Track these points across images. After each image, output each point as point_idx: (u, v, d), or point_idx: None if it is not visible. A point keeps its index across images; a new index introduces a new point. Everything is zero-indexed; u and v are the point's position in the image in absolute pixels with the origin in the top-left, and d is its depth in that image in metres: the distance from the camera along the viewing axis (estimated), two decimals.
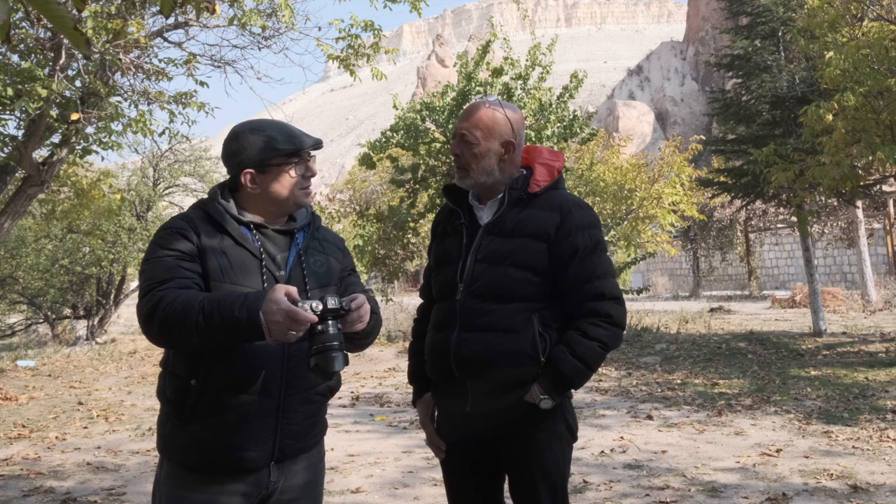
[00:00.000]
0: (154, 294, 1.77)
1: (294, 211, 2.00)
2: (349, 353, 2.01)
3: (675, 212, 18.00)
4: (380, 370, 10.28)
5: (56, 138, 7.75)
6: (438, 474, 4.52)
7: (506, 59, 11.93)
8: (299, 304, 1.65)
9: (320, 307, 1.67)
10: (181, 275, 1.82)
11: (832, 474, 4.47)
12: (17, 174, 7.71)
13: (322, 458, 2.07)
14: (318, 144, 2.00)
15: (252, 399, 1.84)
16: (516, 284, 2.13)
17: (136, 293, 2.09)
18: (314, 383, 1.96)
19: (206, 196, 2.07)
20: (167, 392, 1.89)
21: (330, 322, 1.70)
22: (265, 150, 1.92)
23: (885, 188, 15.81)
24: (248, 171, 1.93)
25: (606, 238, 14.64)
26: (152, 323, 1.75)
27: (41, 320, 17.19)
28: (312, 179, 2.00)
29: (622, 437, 5.67)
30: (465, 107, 2.28)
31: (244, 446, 1.85)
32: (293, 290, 1.66)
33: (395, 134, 12.08)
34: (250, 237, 1.93)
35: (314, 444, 2.02)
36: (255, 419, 1.85)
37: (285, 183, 1.94)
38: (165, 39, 7.38)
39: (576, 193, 15.10)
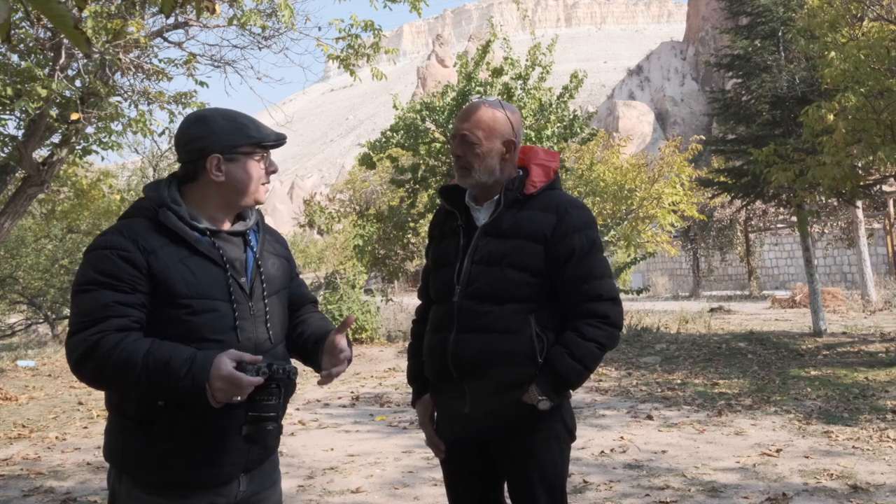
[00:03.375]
0: (87, 337, 1.65)
1: (251, 206, 1.91)
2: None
3: (675, 212, 18.01)
4: (380, 370, 10.28)
5: (56, 138, 7.75)
6: (438, 474, 4.52)
7: (506, 59, 11.93)
8: (247, 368, 1.65)
9: (266, 374, 1.66)
10: (119, 313, 1.68)
11: (832, 474, 4.47)
12: (17, 174, 7.72)
13: (277, 456, 2.05)
14: (281, 138, 1.92)
15: (229, 412, 1.76)
16: (513, 285, 2.13)
17: None
18: None
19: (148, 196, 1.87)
20: (127, 409, 1.77)
21: (273, 388, 1.68)
22: (236, 135, 1.82)
23: (885, 188, 15.80)
24: (215, 156, 1.81)
25: (606, 238, 14.64)
26: (84, 368, 1.66)
27: (41, 320, 17.20)
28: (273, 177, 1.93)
29: (622, 437, 5.66)
30: (463, 107, 2.27)
31: (220, 461, 1.79)
32: (243, 355, 1.67)
33: (395, 134, 12.09)
34: (209, 244, 1.81)
35: (276, 448, 1.99)
36: (233, 432, 1.78)
37: (252, 173, 1.85)
38: (165, 39, 7.39)
39: (576, 193, 15.15)
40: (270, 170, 1.91)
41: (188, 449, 1.76)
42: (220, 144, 1.82)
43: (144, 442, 1.75)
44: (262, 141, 1.86)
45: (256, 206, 1.96)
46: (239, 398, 1.65)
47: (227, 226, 1.89)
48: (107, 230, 1.82)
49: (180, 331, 1.74)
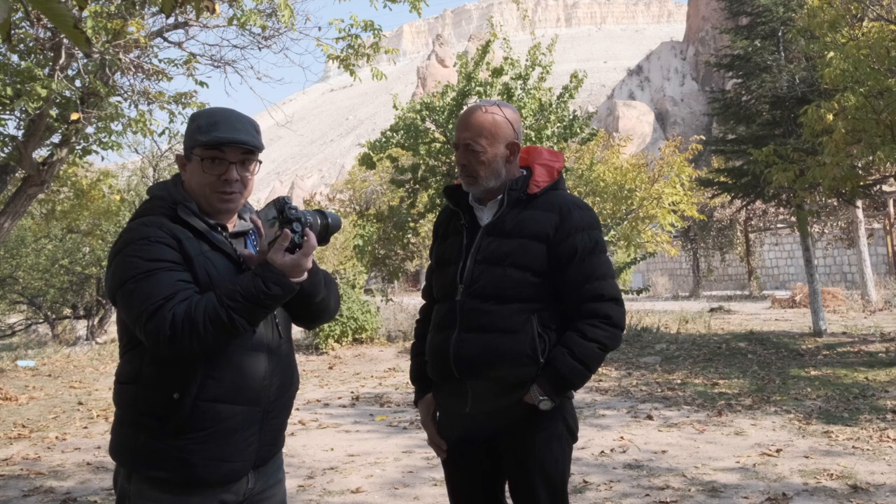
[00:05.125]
0: (165, 315, 1.65)
1: (211, 212, 1.86)
2: (306, 324, 2.04)
3: (675, 212, 18.02)
4: (380, 370, 10.28)
5: (56, 138, 7.75)
6: (438, 474, 4.52)
7: (506, 59, 11.93)
8: (291, 236, 1.71)
9: (298, 226, 1.73)
10: (181, 288, 1.71)
11: (832, 474, 4.47)
12: (17, 174, 7.71)
13: (282, 454, 2.06)
14: (242, 144, 1.81)
15: (243, 409, 1.80)
16: (515, 285, 2.13)
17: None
18: (292, 386, 1.96)
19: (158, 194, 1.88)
20: (139, 405, 1.78)
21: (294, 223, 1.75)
22: (188, 137, 1.83)
23: (885, 188, 15.80)
24: (180, 155, 1.85)
25: (606, 238, 14.64)
26: (179, 342, 1.65)
27: (41, 320, 17.20)
28: (243, 185, 1.84)
29: (622, 437, 5.66)
30: (461, 114, 2.26)
31: (230, 458, 1.80)
32: (282, 243, 1.71)
33: (395, 134, 12.09)
34: (223, 240, 1.85)
35: (282, 446, 2.01)
36: (244, 428, 1.81)
37: (197, 177, 1.82)
38: (165, 39, 7.38)
39: (576, 193, 15.15)
40: (227, 177, 1.81)
41: (200, 446, 1.76)
42: (184, 144, 1.86)
43: (156, 439, 1.76)
44: (208, 144, 1.80)
45: (249, 207, 1.96)
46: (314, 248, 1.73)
47: (230, 226, 1.90)
48: (129, 228, 1.80)
49: None
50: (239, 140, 1.80)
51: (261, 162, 1.91)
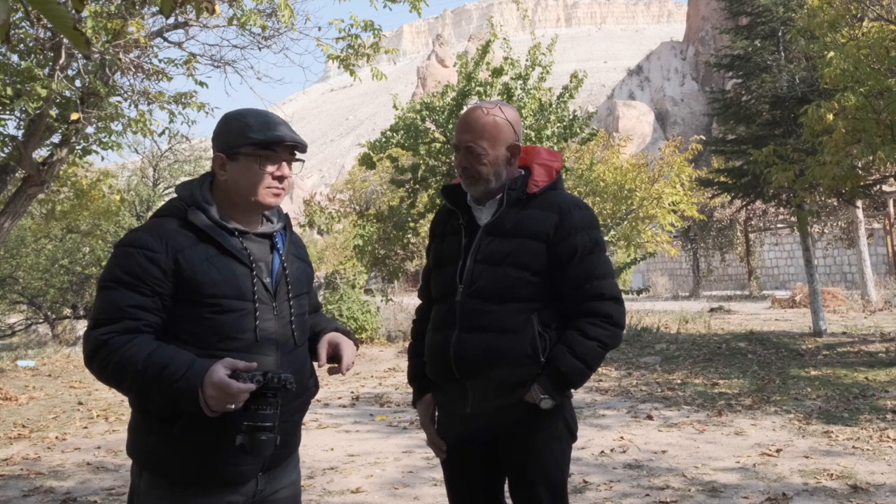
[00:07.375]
0: (98, 336, 1.72)
1: (258, 209, 1.90)
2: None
3: (675, 212, 18.01)
4: (380, 370, 10.28)
5: (56, 138, 7.76)
6: (438, 474, 4.52)
7: (506, 59, 11.92)
8: (241, 375, 1.65)
9: (260, 382, 1.65)
10: (132, 316, 1.72)
11: (832, 474, 4.47)
12: (17, 174, 7.72)
13: (298, 454, 2.06)
14: (296, 144, 1.88)
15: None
16: (515, 285, 2.13)
17: None
18: (307, 390, 1.96)
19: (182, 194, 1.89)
20: (149, 406, 1.80)
21: (269, 399, 1.67)
22: (237, 135, 1.84)
23: (885, 188, 15.81)
24: (219, 155, 1.86)
25: (606, 238, 14.64)
26: (92, 364, 1.74)
27: (41, 320, 17.23)
28: (289, 182, 1.89)
29: (622, 437, 5.66)
30: (462, 116, 2.25)
31: (239, 461, 1.80)
32: (237, 363, 1.67)
33: (395, 134, 12.08)
34: (236, 244, 1.84)
35: (296, 447, 2.01)
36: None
37: (250, 176, 1.84)
38: (165, 39, 7.39)
39: (576, 193, 15.16)
40: (277, 174, 1.87)
41: (208, 448, 1.77)
42: (224, 144, 1.86)
43: (166, 440, 1.78)
44: (265, 143, 1.84)
45: (284, 211, 2.00)
46: (233, 406, 1.65)
47: (254, 227, 1.91)
48: (139, 227, 1.86)
49: (201, 329, 1.77)
50: (297, 140, 1.88)
51: (303, 161, 1.96)
